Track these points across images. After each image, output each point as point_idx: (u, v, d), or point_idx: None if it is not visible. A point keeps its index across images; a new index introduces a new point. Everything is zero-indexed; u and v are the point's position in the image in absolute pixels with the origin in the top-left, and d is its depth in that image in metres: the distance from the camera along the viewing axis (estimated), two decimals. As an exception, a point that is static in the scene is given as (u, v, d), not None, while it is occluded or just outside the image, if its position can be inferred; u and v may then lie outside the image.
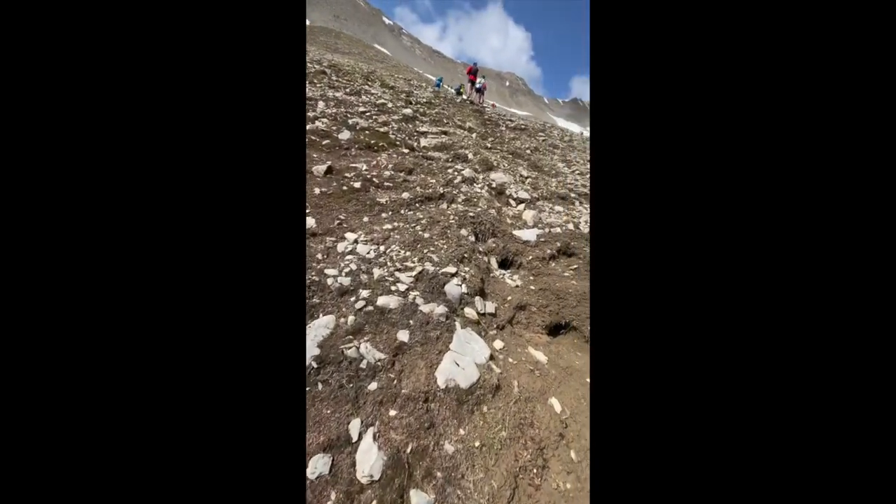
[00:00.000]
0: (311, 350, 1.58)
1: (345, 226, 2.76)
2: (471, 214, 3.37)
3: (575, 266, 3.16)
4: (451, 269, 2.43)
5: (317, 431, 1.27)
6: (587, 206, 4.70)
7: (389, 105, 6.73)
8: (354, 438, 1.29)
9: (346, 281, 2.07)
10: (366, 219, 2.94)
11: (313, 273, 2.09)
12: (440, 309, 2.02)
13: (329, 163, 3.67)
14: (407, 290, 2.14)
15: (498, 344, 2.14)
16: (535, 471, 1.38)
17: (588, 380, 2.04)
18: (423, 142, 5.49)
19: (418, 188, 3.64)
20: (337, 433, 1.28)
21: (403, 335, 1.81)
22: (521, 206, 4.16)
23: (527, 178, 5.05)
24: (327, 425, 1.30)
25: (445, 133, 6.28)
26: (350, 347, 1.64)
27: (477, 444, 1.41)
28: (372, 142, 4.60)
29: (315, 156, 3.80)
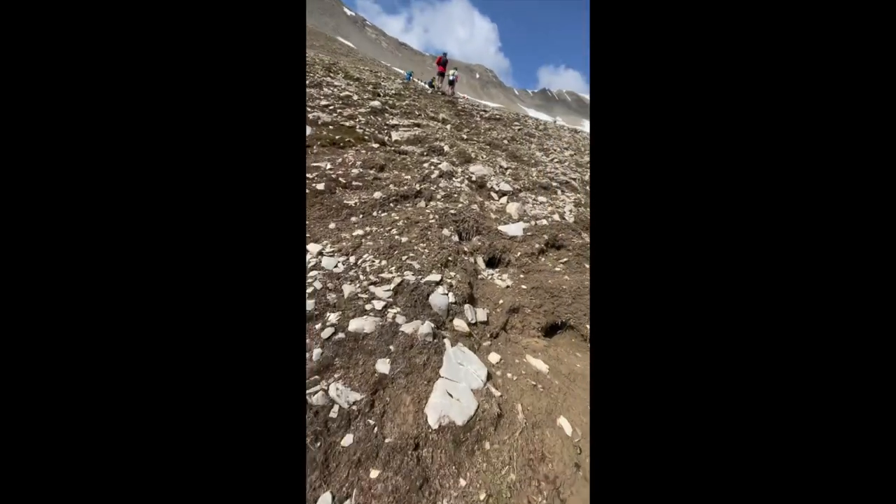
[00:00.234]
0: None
1: (307, 235, 2.37)
2: (452, 212, 3.09)
3: (565, 259, 2.99)
4: (435, 277, 2.14)
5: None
6: (570, 194, 4.57)
7: (355, 97, 6.21)
8: (325, 520, 0.98)
9: (308, 305, 1.72)
10: (332, 225, 2.56)
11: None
12: (425, 327, 1.73)
13: (286, 163, 3.21)
14: (385, 307, 1.82)
15: (494, 357, 1.89)
16: (552, 517, 1.15)
17: (595, 388, 1.85)
18: (395, 135, 5.10)
19: (392, 186, 3.29)
20: (301, 517, 0.96)
21: (383, 366, 1.50)
22: (504, 199, 3.94)
23: (507, 168, 4.83)
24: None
25: (418, 125, 5.90)
26: (316, 392, 1.31)
27: (482, 496, 1.15)
28: (336, 137, 4.15)
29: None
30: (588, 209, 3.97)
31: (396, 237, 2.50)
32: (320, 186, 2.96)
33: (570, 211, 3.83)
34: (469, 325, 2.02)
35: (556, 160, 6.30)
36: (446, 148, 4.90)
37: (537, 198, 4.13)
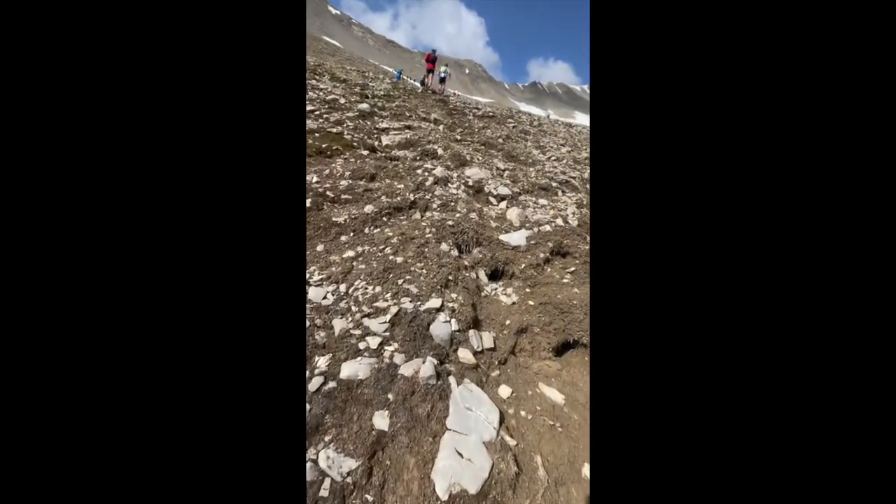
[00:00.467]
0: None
1: (292, 261, 2.16)
2: (450, 223, 2.89)
3: (572, 268, 2.81)
4: (436, 302, 1.94)
5: None
6: (571, 194, 4.39)
7: (342, 101, 5.95)
8: None
9: (294, 348, 1.52)
10: (320, 247, 2.35)
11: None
12: (427, 366, 1.54)
13: (269, 178, 2.98)
14: (381, 344, 1.63)
15: (505, 391, 1.71)
16: None
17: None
18: (385, 140, 4.86)
19: (384, 197, 3.08)
20: None
21: (382, 420, 1.31)
22: (504, 204, 3.74)
23: (504, 170, 4.63)
24: None
25: (409, 128, 5.66)
26: (304, 463, 1.12)
27: (505, 586, 0.97)
28: (323, 146, 3.91)
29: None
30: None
31: (391, 257, 2.30)
32: (306, 203, 2.74)
33: (573, 213, 3.65)
34: (475, 353, 1.83)
35: (553, 158, 6.10)
36: (440, 151, 4.68)
37: (538, 200, 3.94)
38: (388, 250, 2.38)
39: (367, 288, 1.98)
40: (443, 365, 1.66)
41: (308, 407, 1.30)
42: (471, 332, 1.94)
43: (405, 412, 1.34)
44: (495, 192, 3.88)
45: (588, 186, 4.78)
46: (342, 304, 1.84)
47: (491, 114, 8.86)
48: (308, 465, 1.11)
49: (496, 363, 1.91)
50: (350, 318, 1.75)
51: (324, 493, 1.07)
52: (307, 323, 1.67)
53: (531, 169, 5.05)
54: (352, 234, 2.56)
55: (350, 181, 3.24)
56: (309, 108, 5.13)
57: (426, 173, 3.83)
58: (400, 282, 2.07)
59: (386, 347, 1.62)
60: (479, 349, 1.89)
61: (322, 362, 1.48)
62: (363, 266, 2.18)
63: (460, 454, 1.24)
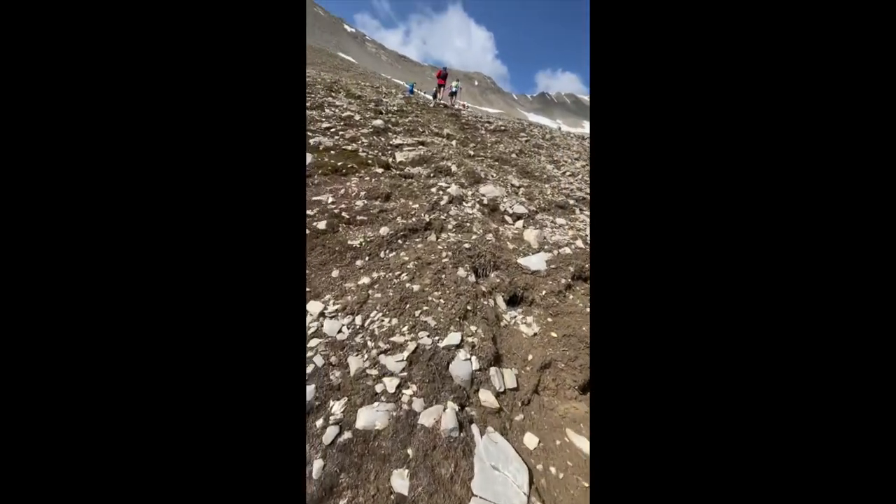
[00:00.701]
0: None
1: (307, 289, 2.10)
2: (466, 246, 2.80)
3: (596, 295, 2.65)
4: (455, 338, 1.83)
5: None
6: (588, 212, 4.25)
7: (357, 117, 6.06)
8: None
9: (308, 391, 1.43)
10: (335, 273, 2.29)
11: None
12: (449, 416, 1.42)
13: (286, 198, 2.98)
14: (398, 387, 1.52)
15: (531, 441, 1.57)
16: None
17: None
18: (399, 156, 4.88)
19: (399, 219, 3.03)
20: None
21: (401, 482, 1.19)
22: (520, 224, 3.64)
23: (519, 187, 4.54)
24: None
25: (423, 143, 5.69)
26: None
27: None
28: (339, 164, 3.94)
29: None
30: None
31: (407, 284, 2.22)
32: (322, 225, 2.71)
33: (593, 234, 3.50)
34: (497, 395, 1.70)
35: (568, 173, 5.99)
36: (454, 168, 4.65)
37: (555, 220, 3.82)
38: (404, 276, 2.31)
39: (383, 320, 1.89)
40: (464, 410, 1.54)
41: (321, 464, 1.20)
42: (492, 370, 1.81)
43: (426, 473, 1.22)
44: (511, 211, 3.79)
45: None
46: (358, 339, 1.75)
47: (503, 127, 8.88)
48: (321, 537, 1.00)
49: (519, 404, 1.78)
50: (366, 356, 1.66)
51: (338, 574, 0.95)
52: (321, 361, 1.59)
53: (546, 186, 4.95)
54: (367, 259, 2.50)
55: (365, 201, 3.22)
56: (325, 125, 5.22)
57: (441, 192, 3.78)
58: (417, 313, 1.98)
59: (404, 391, 1.51)
60: (502, 389, 1.76)
61: (337, 408, 1.39)
62: (379, 295, 2.10)
63: (489, 528, 1.10)
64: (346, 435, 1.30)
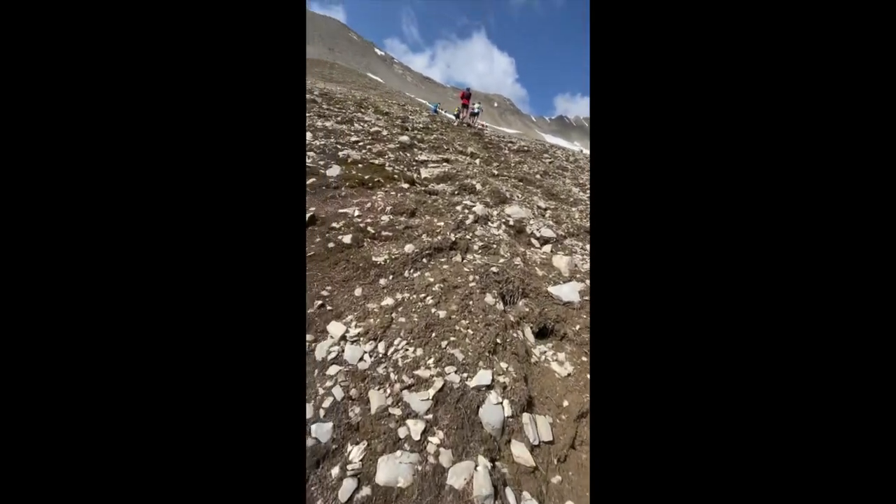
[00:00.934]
0: None
1: (329, 308, 1.99)
2: (493, 270, 2.64)
3: (636, 335, 2.40)
4: (485, 377, 1.65)
5: None
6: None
7: (384, 133, 6.21)
8: None
9: (324, 430, 1.27)
10: (358, 291, 2.18)
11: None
12: (482, 477, 1.22)
13: (313, 209, 2.96)
14: (424, 432, 1.34)
15: (573, 513, 1.32)
16: None
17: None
18: (424, 172, 4.88)
19: (424, 236, 2.93)
20: None
21: (427, 562, 0.99)
22: (548, 248, 3.46)
23: (545, 209, 4.40)
24: None
25: (447, 161, 5.71)
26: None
27: None
28: (366, 177, 3.95)
29: (296, 201, 3.10)
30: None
31: (433, 310, 2.07)
32: (347, 239, 2.65)
33: (628, 264, 3.27)
34: (531, 449, 1.48)
35: (594, 197, 5.81)
36: (478, 186, 4.59)
37: (585, 246, 3.62)
38: (429, 300, 2.16)
39: (407, 349, 1.74)
40: (495, 465, 1.34)
41: (336, 526, 1.02)
42: (525, 416, 1.60)
43: (457, 552, 1.02)
44: (538, 234, 3.63)
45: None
46: (380, 370, 1.60)
47: (526, 148, 8.88)
48: None
49: (555, 462, 1.54)
50: (388, 391, 1.50)
51: None
52: (341, 393, 1.44)
53: (574, 209, 4.78)
54: (391, 278, 2.39)
55: (391, 216, 3.16)
56: (354, 139, 5.35)
57: (466, 210, 3.69)
58: (444, 344, 1.81)
59: (430, 438, 1.33)
60: (536, 442, 1.54)
61: (356, 454, 1.22)
62: (403, 319, 1.96)
63: None
64: (365, 491, 1.12)
